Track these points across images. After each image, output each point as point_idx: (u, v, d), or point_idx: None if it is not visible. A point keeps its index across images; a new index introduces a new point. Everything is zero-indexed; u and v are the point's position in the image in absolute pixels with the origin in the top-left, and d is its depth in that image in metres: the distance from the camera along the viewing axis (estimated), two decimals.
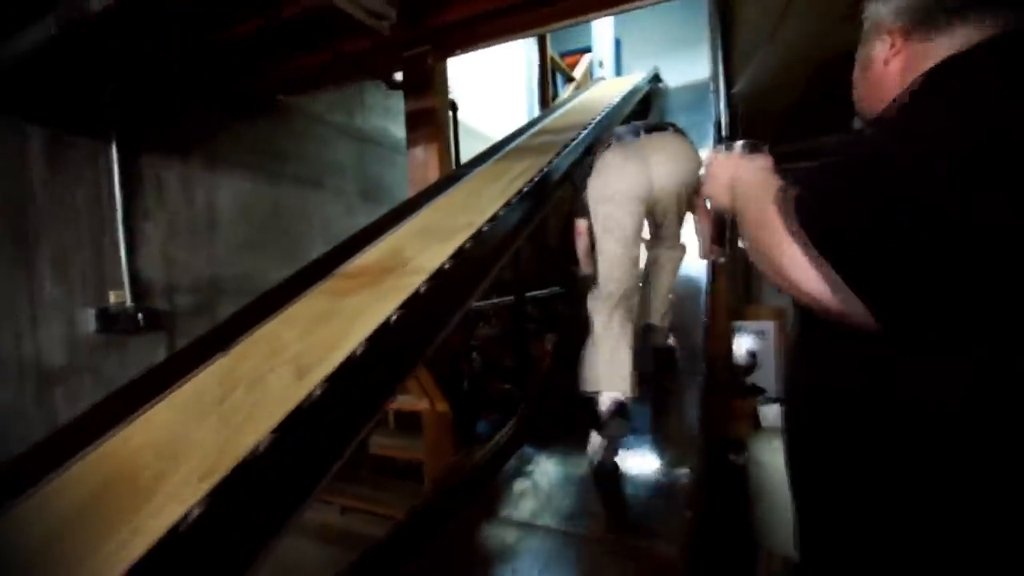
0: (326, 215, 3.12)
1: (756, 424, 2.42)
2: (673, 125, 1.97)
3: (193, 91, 2.37)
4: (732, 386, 2.99)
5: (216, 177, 2.50)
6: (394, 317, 1.19)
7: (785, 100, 3.39)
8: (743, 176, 0.77)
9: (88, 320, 1.97)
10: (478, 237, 1.63)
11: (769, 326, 4.00)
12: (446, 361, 2.39)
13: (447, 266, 1.44)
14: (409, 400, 2.51)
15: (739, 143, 0.90)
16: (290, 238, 2.86)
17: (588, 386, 1.70)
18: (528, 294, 3.41)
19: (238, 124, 2.62)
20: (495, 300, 3.25)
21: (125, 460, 0.93)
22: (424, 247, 1.65)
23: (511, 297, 3.21)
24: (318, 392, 0.99)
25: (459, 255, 1.51)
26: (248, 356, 1.19)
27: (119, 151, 2.08)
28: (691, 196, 1.86)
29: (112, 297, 2.06)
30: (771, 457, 2.09)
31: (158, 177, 2.25)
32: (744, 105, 3.34)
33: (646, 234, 1.98)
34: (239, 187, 2.62)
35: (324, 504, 2.61)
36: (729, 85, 2.60)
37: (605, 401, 1.62)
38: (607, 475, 1.57)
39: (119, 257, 2.08)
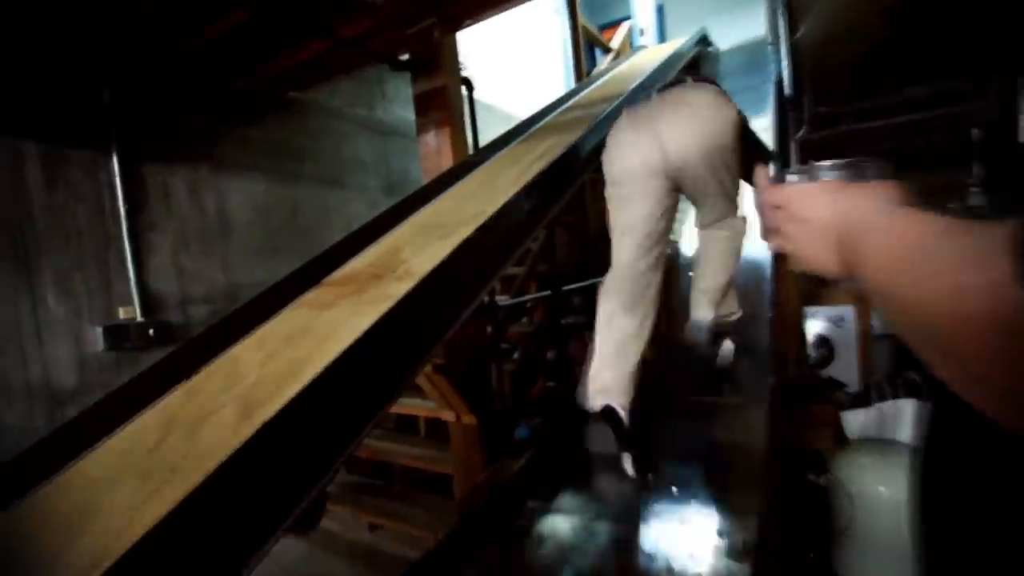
0: (348, 214, 2.98)
1: (839, 435, 2.03)
2: (693, 76, 1.59)
3: (195, 94, 2.26)
4: (807, 387, 2.59)
5: (227, 181, 2.39)
6: (368, 335, 0.98)
7: (855, 48, 2.88)
8: (876, 223, 0.41)
9: (96, 338, 1.90)
10: (485, 230, 1.39)
11: (848, 311, 3.50)
12: (469, 368, 2.16)
13: (443, 267, 1.20)
14: (434, 407, 2.32)
15: (827, 164, 0.50)
16: (310, 240, 2.73)
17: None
18: (566, 287, 3.13)
19: (247, 125, 2.50)
20: (531, 296, 2.99)
21: (28, 535, 0.77)
22: (424, 245, 1.42)
23: (548, 292, 2.95)
24: (258, 438, 0.79)
25: (460, 252, 1.27)
26: (202, 389, 1.01)
27: (120, 162, 2.00)
28: (733, 158, 1.49)
29: (121, 313, 1.99)
30: (861, 478, 1.72)
31: (164, 185, 2.16)
32: (808, 57, 2.86)
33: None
34: (252, 190, 2.50)
35: (353, 520, 2.49)
36: (792, 32, 2.18)
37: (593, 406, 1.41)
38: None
39: (126, 271, 2.01)
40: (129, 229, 2.01)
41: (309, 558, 2.34)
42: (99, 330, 1.90)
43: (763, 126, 3.15)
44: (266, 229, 2.54)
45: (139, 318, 2.02)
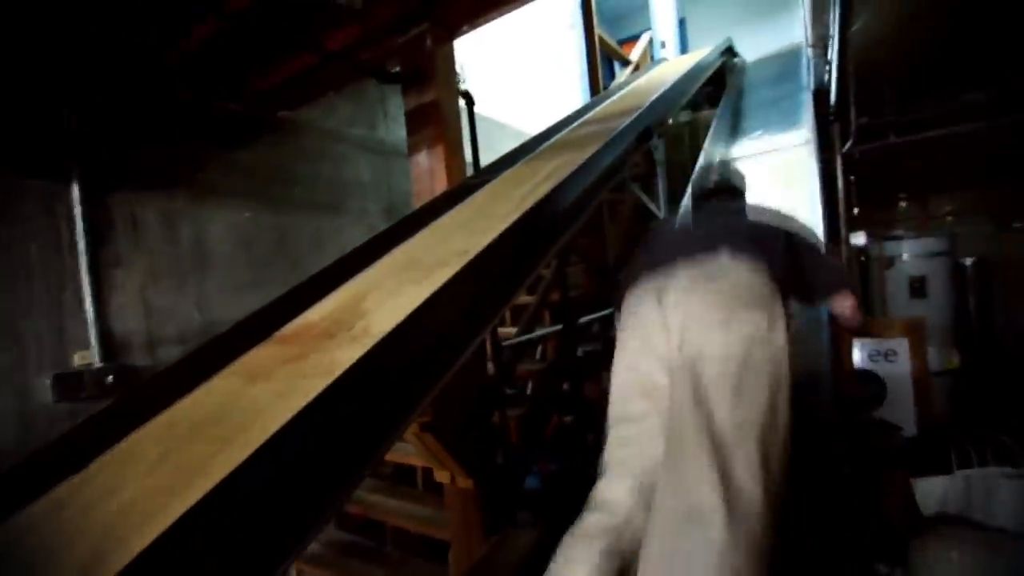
0: (344, 241, 2.75)
1: (913, 513, 1.66)
2: (734, 244, 1.14)
3: (170, 116, 2.07)
4: (861, 431, 2.24)
5: (206, 209, 2.20)
6: (285, 432, 0.71)
7: (911, 48, 2.56)
8: None
9: (43, 389, 1.69)
10: (470, 271, 1.12)
11: (901, 344, 3.11)
12: (465, 421, 1.88)
13: (408, 324, 0.94)
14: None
15: None
16: (301, 272, 2.49)
17: None
18: (582, 319, 2.83)
19: (231, 148, 2.31)
20: (540, 332, 2.71)
21: None
22: (393, 292, 1.16)
23: (559, 326, 2.66)
24: None
25: (433, 303, 1.00)
26: (69, 503, 0.76)
27: (83, 191, 1.81)
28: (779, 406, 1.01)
29: (76, 359, 1.78)
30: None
31: (132, 216, 1.97)
32: (854, 60, 2.54)
33: None
34: (235, 219, 2.30)
35: None
36: (844, 28, 1.87)
37: None
38: None
39: (84, 313, 1.80)
40: (90, 265, 1.81)
41: None
42: (47, 380, 1.69)
43: (802, 139, 2.84)
44: (250, 260, 2.33)
45: (97, 363, 1.81)
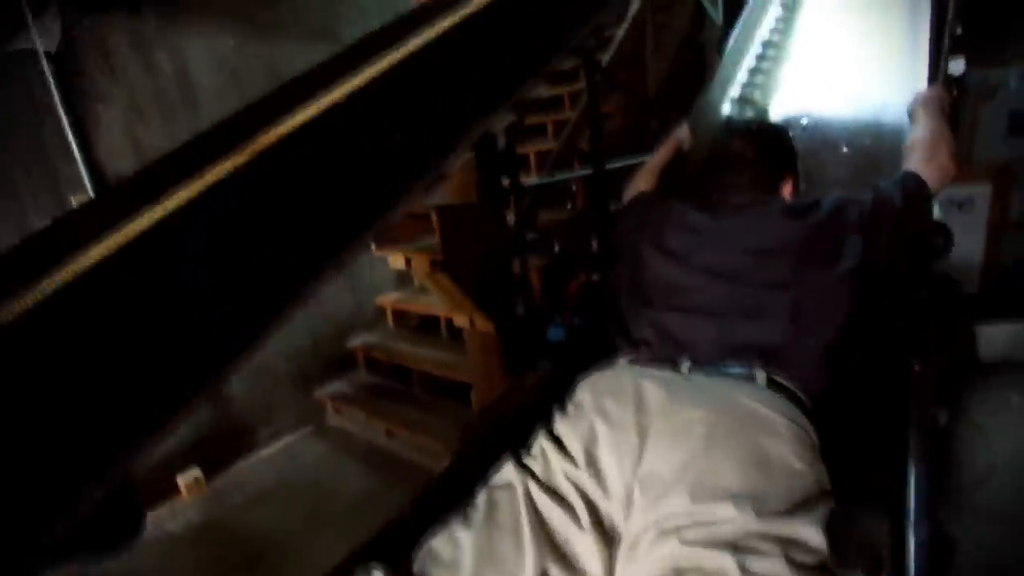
0: None
1: (971, 357, 1.52)
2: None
3: None
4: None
5: (183, 35, 1.93)
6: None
7: None
8: None
9: None
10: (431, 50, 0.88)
11: (982, 193, 2.73)
12: (482, 264, 1.77)
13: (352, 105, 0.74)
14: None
15: None
16: None
17: None
18: (613, 165, 2.56)
19: None
20: (564, 176, 2.47)
21: None
22: None
23: (589, 170, 2.41)
24: None
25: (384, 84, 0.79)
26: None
27: (33, 8, 1.57)
28: None
29: (74, 202, 1.70)
30: (1007, 422, 1.25)
31: (103, 42, 1.73)
32: None
33: None
34: (219, 46, 2.03)
35: (368, 425, 2.34)
36: None
37: None
38: None
39: (71, 152, 1.68)
40: (64, 98, 1.64)
41: (326, 459, 2.25)
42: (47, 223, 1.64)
43: None
44: (241, 95, 2.10)
45: None
